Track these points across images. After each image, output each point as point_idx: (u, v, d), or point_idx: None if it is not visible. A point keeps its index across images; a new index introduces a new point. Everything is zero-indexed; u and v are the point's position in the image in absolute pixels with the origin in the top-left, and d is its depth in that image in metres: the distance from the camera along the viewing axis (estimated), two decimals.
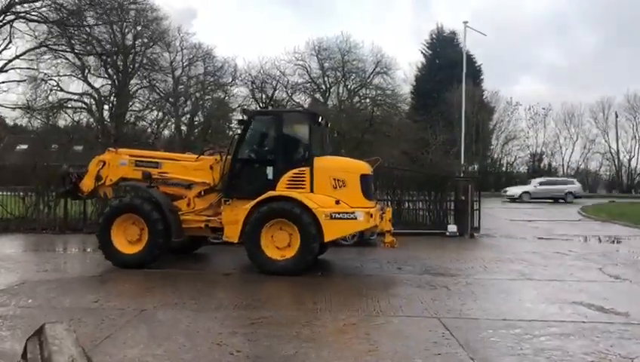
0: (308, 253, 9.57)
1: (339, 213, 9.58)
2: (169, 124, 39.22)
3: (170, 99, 38.52)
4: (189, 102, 41.09)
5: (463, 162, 18.98)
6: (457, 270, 10.73)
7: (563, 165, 56.44)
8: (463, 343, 5.89)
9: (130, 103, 37.53)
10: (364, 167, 10.44)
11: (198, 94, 40.95)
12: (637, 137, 55.94)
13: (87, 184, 10.85)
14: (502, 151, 55.72)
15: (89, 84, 37.38)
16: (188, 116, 39.93)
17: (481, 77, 54.86)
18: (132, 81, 38.55)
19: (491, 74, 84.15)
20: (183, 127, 39.82)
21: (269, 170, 9.94)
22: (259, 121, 10.83)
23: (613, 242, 16.32)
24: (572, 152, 56.38)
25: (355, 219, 9.65)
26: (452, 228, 16.67)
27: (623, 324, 6.77)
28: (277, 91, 44.67)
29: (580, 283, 9.44)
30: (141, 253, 9.97)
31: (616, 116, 55.82)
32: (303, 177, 9.80)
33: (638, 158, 55.92)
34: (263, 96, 43.99)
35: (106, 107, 36.36)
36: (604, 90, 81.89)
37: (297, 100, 45.65)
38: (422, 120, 41.20)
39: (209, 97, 42.10)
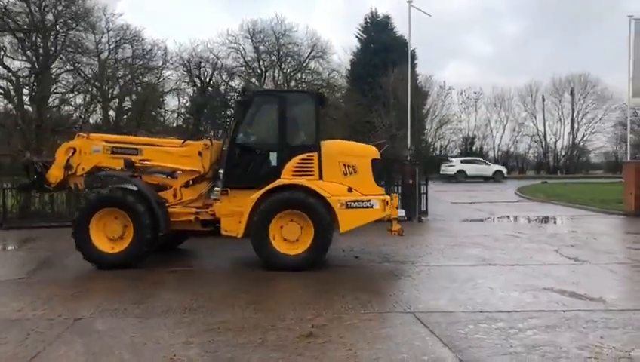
0: (322, 247, 8.85)
1: (354, 202, 8.90)
2: (97, 108, 36.97)
3: (97, 82, 36.24)
4: (117, 87, 38.95)
5: (409, 145, 18.67)
6: (416, 257, 10.31)
7: (494, 148, 57.96)
8: (447, 342, 5.34)
9: (54, 87, 34.98)
10: (374, 151, 9.71)
11: (127, 78, 38.88)
12: (562, 120, 58.26)
13: (54, 174, 9.44)
14: (436, 135, 56.48)
15: (5, 66, 34.51)
16: (116, 101, 37.83)
17: (415, 61, 55.24)
18: (54, 64, 35.89)
19: (424, 59, 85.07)
20: (112, 112, 37.72)
21: (273, 157, 9.07)
22: (260, 101, 9.62)
23: (557, 222, 16.52)
24: (502, 135, 57.96)
25: (372, 207, 9.01)
26: (400, 212, 16.22)
27: (604, 312, 6.44)
28: (213, 75, 43.16)
29: (542, 267, 9.18)
30: (126, 251, 8.87)
31: (543, 100, 57.81)
32: (311, 163, 9.00)
33: (563, 140, 58.33)
34: (198, 81, 42.35)
35: (25, 91, 33.64)
36: (532, 75, 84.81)
37: (232, 85, 44.29)
38: (360, 104, 40.94)
39: (139, 81, 40.05)
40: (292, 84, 47.63)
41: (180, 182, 9.44)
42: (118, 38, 39.58)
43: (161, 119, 38.29)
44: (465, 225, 15.60)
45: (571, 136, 57.77)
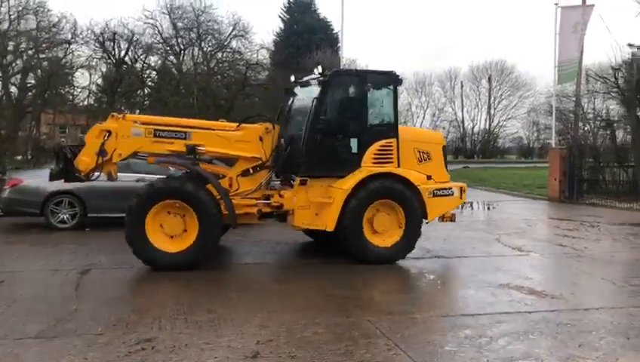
0: (414, 237, 8.40)
1: (439, 190, 8.61)
2: None
3: None
4: (19, 61, 35.58)
5: None
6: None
7: None
8: (418, 358, 4.62)
9: None
10: (442, 137, 9.74)
11: (30, 52, 35.60)
12: (479, 106, 60.04)
13: (84, 161, 7.85)
14: None
15: None
16: (19, 77, 34.61)
17: (339, 44, 54.77)
18: None
19: (349, 43, 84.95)
20: (13, 89, 34.48)
21: (354, 143, 8.38)
22: (339, 82, 8.72)
23: (487, 208, 16.46)
24: (423, 120, 58.94)
25: (452, 195, 8.78)
26: None
27: (570, 312, 6.00)
28: (128, 51, 40.51)
29: (490, 260, 8.78)
30: (191, 250, 7.73)
31: (462, 86, 59.25)
32: (391, 150, 8.44)
33: (480, 126, 60.19)
34: (112, 57, 39.57)
35: None
36: (451, 62, 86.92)
37: (149, 62, 41.80)
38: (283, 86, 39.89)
39: (44, 56, 36.84)
40: (212, 63, 45.78)
41: (237, 171, 8.34)
42: (20, 8, 36.16)
43: (70, 97, 35.48)
44: None
45: (488, 121, 59.76)
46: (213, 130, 8.40)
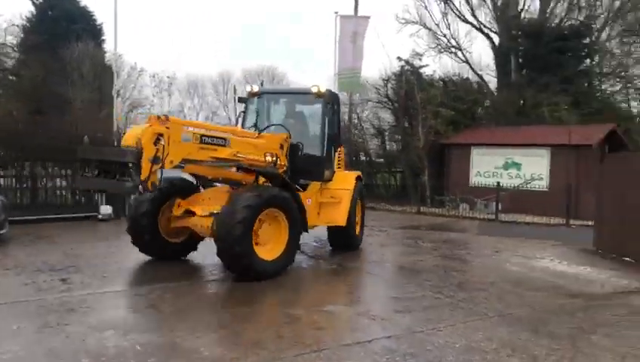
0: None
1: None
2: None
3: None
4: None
5: (116, 127, 15.59)
6: (176, 273, 7.80)
7: None
8: None
9: None
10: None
11: None
12: None
13: (145, 169, 6.46)
14: (127, 118, 52.45)
15: None
16: None
17: (103, 37, 50.14)
18: None
19: (116, 37, 78.77)
20: None
21: (333, 150, 9.96)
22: (330, 99, 9.84)
23: None
24: None
25: None
26: (106, 209, 13.36)
27: (408, 336, 5.32)
28: None
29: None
30: (283, 257, 7.73)
31: (235, 90, 58.98)
32: (341, 154, 10.71)
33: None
34: None
35: None
36: (224, 64, 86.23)
37: None
38: (38, 75, 34.77)
39: None
40: None
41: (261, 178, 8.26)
42: None
43: None
44: None
45: None
46: (245, 137, 8.23)
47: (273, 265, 7.51)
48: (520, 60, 25.91)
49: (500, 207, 16.73)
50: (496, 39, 27.54)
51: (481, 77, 27.57)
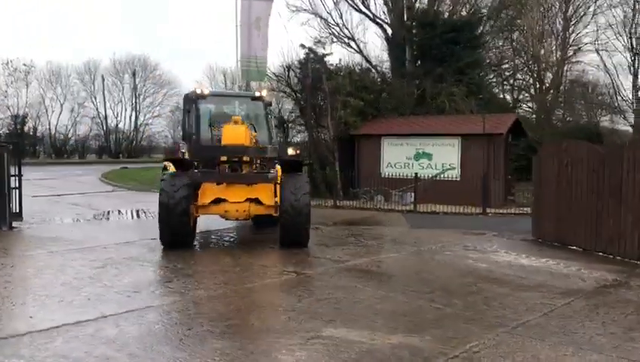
0: None
1: None
2: None
3: None
4: None
5: None
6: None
7: (50, 128, 51.40)
8: None
9: None
10: None
11: None
12: (124, 102, 56.38)
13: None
14: None
15: None
16: None
17: None
18: None
19: None
20: None
21: None
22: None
23: None
24: (60, 115, 51.95)
25: None
26: None
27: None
28: None
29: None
30: None
31: (103, 80, 54.53)
32: None
33: (125, 123, 56.63)
34: None
35: None
36: (91, 53, 79.53)
37: None
38: None
39: None
40: None
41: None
42: None
43: None
44: (87, 228, 11.68)
45: (134, 119, 56.66)
46: None
47: None
48: (414, 52, 26.10)
49: (414, 198, 16.51)
50: (389, 30, 27.56)
51: (375, 67, 27.45)
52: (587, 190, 9.76)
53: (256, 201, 9.33)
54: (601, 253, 9.39)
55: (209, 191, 9.22)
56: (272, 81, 21.49)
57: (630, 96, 32.46)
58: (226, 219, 10.02)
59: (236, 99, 11.92)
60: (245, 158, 9.25)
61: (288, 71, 21.27)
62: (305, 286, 7.05)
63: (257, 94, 10.73)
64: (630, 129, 34.16)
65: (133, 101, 56.20)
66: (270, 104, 11.03)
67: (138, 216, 14.32)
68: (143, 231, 11.14)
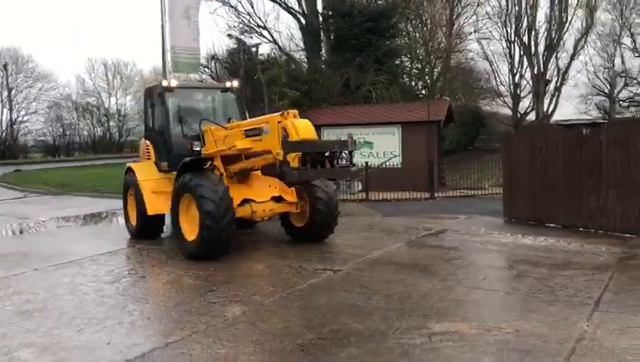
0: None
1: None
2: None
3: None
4: None
5: None
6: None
7: None
8: None
9: None
10: None
11: None
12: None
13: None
14: None
15: None
16: None
17: None
18: None
19: None
20: None
21: None
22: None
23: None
24: None
25: None
26: None
27: None
28: None
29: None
30: None
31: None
32: None
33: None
34: None
35: None
36: None
37: None
38: None
39: None
40: None
41: None
42: None
43: None
44: (43, 241, 10.47)
45: (9, 116, 51.40)
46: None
47: None
48: (332, 41, 26.23)
49: (361, 186, 16.74)
50: (302, 20, 27.45)
51: (290, 56, 27.27)
52: (564, 171, 10.49)
53: (279, 199, 8.93)
54: (582, 229, 10.15)
55: (236, 193, 8.57)
56: (199, 73, 20.58)
57: (507, 80, 35.77)
58: (250, 221, 9.55)
59: (206, 92, 11.36)
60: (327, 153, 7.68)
61: (215, 61, 20.49)
62: (357, 283, 6.86)
63: (228, 85, 10.41)
64: (509, 112, 37.73)
65: (8, 97, 50.93)
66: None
67: (86, 221, 13.11)
68: (110, 237, 10.34)
